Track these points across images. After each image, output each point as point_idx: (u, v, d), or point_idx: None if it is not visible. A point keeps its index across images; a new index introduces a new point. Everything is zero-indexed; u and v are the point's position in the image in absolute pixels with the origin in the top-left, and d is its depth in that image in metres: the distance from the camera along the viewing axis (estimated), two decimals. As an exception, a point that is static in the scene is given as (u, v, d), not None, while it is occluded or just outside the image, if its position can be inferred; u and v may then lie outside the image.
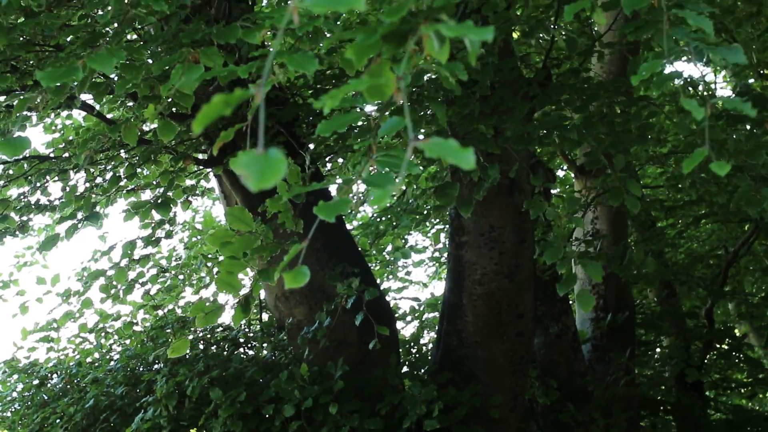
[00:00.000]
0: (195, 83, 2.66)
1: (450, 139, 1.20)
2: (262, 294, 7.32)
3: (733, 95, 5.90)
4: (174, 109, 5.32)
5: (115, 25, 3.37)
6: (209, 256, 8.22)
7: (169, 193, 5.63)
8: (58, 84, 2.90)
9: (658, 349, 9.66)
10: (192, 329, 6.87)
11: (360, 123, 4.41)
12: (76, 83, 3.13)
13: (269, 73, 1.38)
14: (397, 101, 1.40)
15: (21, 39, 4.47)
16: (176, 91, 2.91)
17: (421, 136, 1.28)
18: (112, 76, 4.48)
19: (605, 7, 3.33)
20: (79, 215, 5.27)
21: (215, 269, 8.78)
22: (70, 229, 5.30)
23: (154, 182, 6.07)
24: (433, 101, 3.47)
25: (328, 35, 4.31)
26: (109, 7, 3.38)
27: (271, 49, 3.33)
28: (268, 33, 3.54)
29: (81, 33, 3.83)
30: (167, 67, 2.96)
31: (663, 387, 8.49)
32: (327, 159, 6.65)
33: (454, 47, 3.40)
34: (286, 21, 1.36)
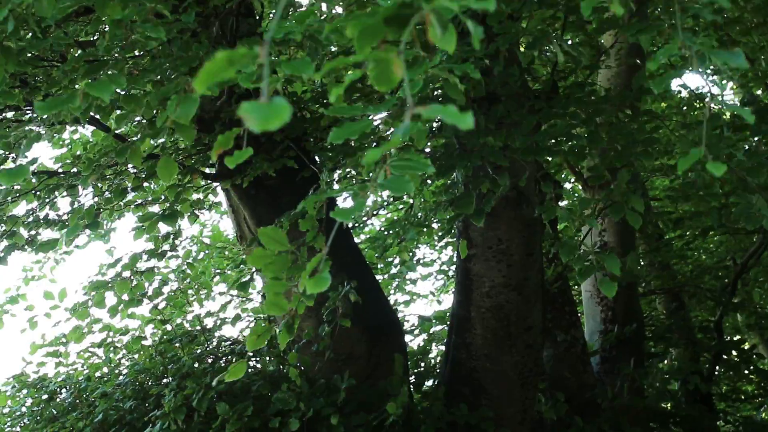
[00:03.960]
0: (191, 113, 2.66)
1: (448, 105, 1.20)
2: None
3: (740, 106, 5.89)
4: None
5: (117, 50, 3.39)
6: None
7: (177, 206, 5.64)
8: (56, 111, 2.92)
9: (666, 361, 9.62)
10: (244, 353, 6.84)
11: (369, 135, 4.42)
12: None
13: (272, 34, 1.37)
14: (396, 74, 1.40)
15: (29, 55, 4.49)
16: (174, 125, 2.92)
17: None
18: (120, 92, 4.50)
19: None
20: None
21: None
22: (70, 232, 5.31)
23: (163, 196, 6.08)
24: (445, 83, 3.44)
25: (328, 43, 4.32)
26: (109, 32, 3.39)
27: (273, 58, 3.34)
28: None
29: (87, 56, 3.85)
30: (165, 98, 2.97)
31: (672, 399, 8.45)
32: (336, 172, 6.66)
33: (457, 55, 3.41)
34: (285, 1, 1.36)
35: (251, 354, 6.82)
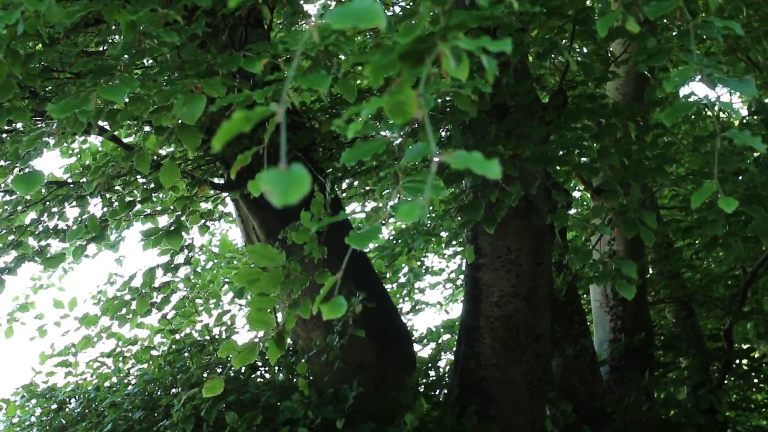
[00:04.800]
0: (198, 113, 2.66)
1: (474, 152, 1.21)
2: (278, 317, 7.33)
3: (747, 115, 5.88)
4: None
5: (126, 57, 3.39)
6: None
7: (184, 218, 5.64)
8: (70, 115, 2.92)
9: (676, 371, 9.59)
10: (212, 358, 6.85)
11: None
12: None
13: (287, 90, 1.38)
14: (418, 118, 1.41)
15: (39, 66, 4.50)
16: (179, 128, 2.92)
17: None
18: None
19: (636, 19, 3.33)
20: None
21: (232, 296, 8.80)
22: (78, 250, 5.31)
23: (171, 207, 6.09)
24: (456, 95, 3.44)
25: (342, 57, 4.32)
26: (120, 38, 3.39)
27: (285, 71, 3.34)
28: (280, 58, 3.55)
29: (96, 62, 3.85)
30: (170, 99, 2.97)
31: (682, 409, 8.41)
32: (344, 182, 6.67)
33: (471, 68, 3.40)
34: (305, 40, 1.37)
35: (260, 364, 6.83)
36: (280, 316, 7.30)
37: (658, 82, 7.32)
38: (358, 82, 6.42)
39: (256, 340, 3.04)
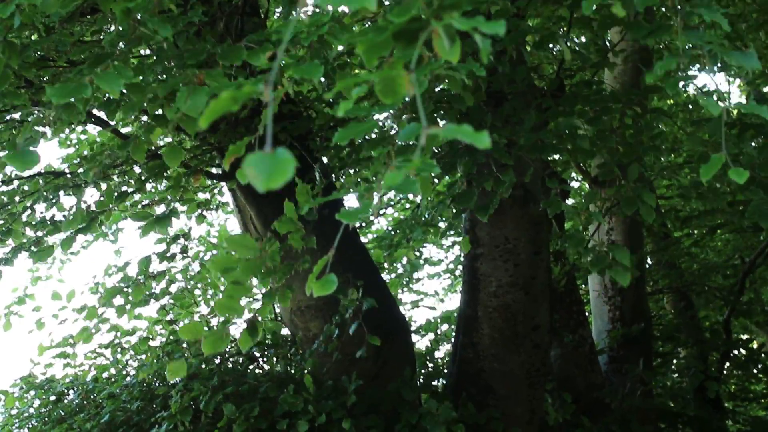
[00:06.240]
0: (201, 106, 2.64)
1: (463, 124, 1.19)
2: (277, 308, 7.32)
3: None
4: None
5: (122, 45, 3.37)
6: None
7: (179, 206, 5.62)
8: (69, 101, 2.91)
9: (675, 361, 9.59)
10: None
11: (374, 134, 4.40)
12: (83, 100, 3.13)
13: (276, 71, 1.37)
14: (409, 95, 1.39)
15: (35, 55, 4.48)
16: (182, 114, 2.90)
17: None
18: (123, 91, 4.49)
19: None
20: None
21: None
22: (66, 241, 5.29)
23: (168, 197, 6.08)
24: (449, 79, 3.43)
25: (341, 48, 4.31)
26: (115, 27, 3.37)
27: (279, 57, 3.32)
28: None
29: (92, 50, 3.84)
30: (173, 89, 2.96)
31: (681, 399, 8.42)
32: (341, 172, 6.65)
33: (464, 51, 3.39)
34: (293, 25, 1.36)
35: (258, 355, 6.82)
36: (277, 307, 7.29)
37: (655, 69, 7.30)
38: (356, 71, 6.39)
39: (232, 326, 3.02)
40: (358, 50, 1.44)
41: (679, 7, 2.15)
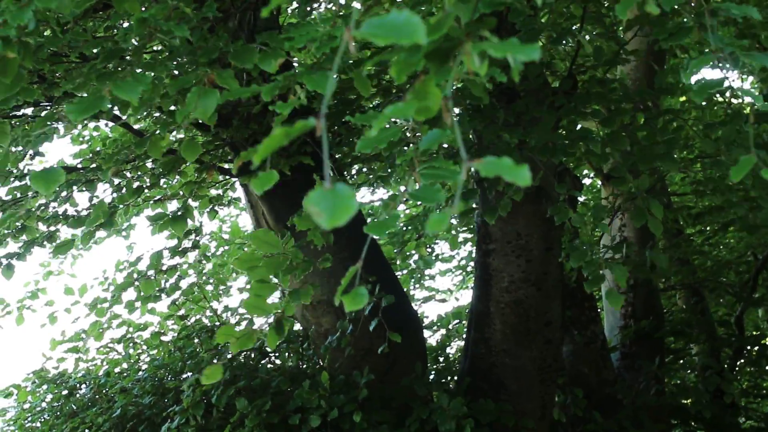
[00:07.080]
0: (211, 109, 2.63)
1: (504, 158, 1.18)
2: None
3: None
4: (200, 120, 5.33)
5: (135, 42, 3.37)
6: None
7: (192, 203, 5.62)
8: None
9: (687, 357, 9.56)
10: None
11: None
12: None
13: (327, 106, 1.36)
14: (446, 122, 1.39)
15: (47, 51, 4.49)
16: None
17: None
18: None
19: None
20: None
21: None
22: (86, 236, 5.30)
23: (180, 192, 6.09)
24: (471, 83, 3.42)
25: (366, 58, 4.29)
26: (128, 24, 3.37)
27: (295, 64, 3.32)
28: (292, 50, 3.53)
29: (105, 44, 3.84)
30: (184, 87, 2.96)
31: (693, 395, 8.40)
32: (353, 168, 6.65)
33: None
34: (342, 49, 1.35)
35: (269, 350, 6.83)
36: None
37: (669, 68, 7.28)
38: (368, 68, 6.39)
39: (256, 326, 3.03)
40: (391, 72, 1.43)
41: (705, 6, 2.14)
